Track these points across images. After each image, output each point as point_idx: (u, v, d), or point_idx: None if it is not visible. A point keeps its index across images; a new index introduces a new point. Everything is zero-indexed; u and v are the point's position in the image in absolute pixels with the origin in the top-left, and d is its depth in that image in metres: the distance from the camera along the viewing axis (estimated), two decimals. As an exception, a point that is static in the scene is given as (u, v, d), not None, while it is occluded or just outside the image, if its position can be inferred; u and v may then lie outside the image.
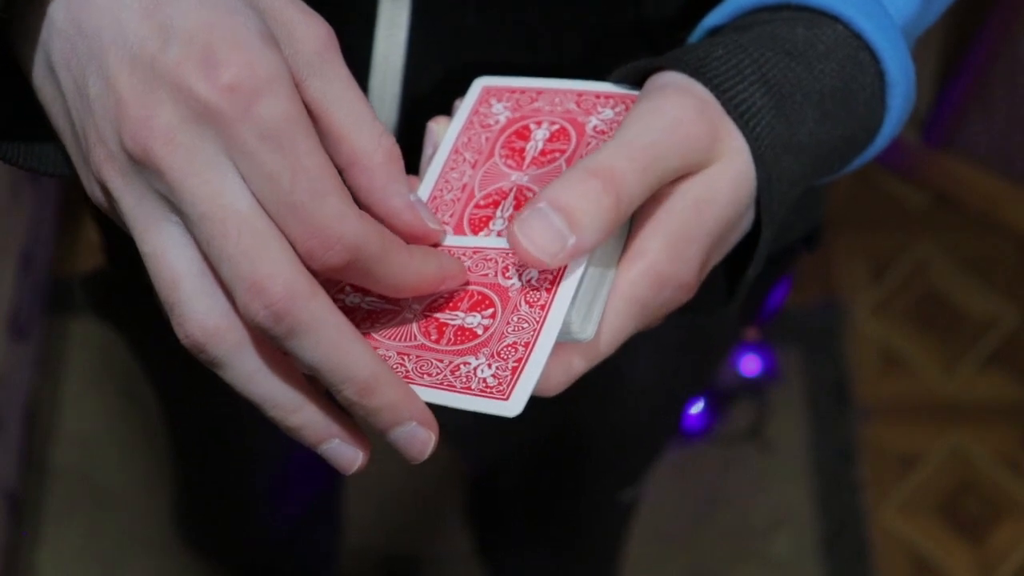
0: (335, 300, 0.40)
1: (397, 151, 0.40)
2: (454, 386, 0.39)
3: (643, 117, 0.41)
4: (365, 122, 0.39)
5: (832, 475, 1.56)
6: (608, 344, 0.41)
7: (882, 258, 1.73)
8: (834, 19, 0.44)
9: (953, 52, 1.59)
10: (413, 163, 0.45)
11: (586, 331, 0.40)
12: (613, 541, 1.12)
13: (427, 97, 0.52)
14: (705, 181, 0.41)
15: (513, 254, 0.40)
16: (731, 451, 1.57)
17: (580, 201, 0.38)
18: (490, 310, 0.40)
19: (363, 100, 0.40)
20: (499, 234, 0.42)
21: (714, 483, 1.55)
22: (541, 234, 0.38)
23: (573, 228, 0.38)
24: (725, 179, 0.42)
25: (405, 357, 0.40)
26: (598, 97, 0.45)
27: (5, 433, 1.43)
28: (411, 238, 0.41)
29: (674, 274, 0.41)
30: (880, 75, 0.45)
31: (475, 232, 0.43)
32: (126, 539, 1.47)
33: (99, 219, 0.77)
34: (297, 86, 0.38)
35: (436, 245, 0.42)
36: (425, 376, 0.39)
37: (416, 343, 0.40)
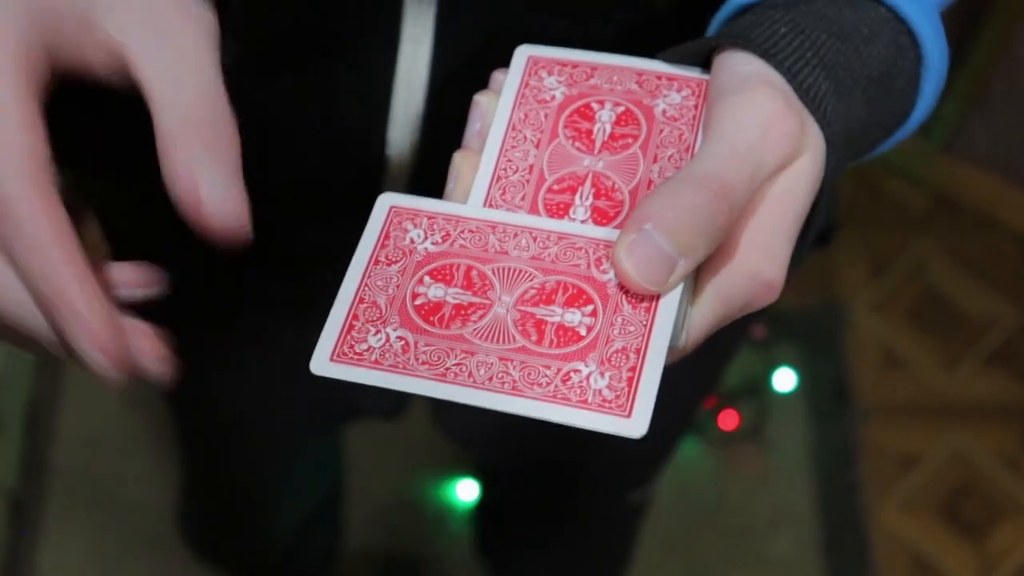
0: (416, 295, 0.39)
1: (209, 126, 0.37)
2: (569, 399, 0.37)
3: (736, 115, 0.38)
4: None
5: (832, 475, 1.56)
6: (692, 344, 0.40)
7: (882, 258, 1.73)
8: (877, 1, 0.43)
9: (953, 52, 1.59)
10: (434, 184, 0.44)
11: (680, 339, 0.39)
12: (621, 543, 1.12)
13: (450, 116, 0.51)
14: (786, 174, 0.39)
15: (607, 245, 0.39)
16: (731, 451, 1.57)
17: (690, 219, 0.36)
18: (590, 307, 0.38)
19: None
20: (583, 222, 0.41)
21: (714, 483, 1.55)
22: (649, 263, 0.36)
23: (683, 251, 0.36)
24: (805, 172, 0.40)
25: (508, 364, 0.37)
26: (659, 78, 0.44)
27: (5, 433, 1.43)
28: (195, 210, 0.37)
29: (759, 271, 0.39)
30: (918, 59, 0.44)
31: (555, 218, 0.41)
32: (126, 539, 1.47)
33: (104, 222, 0.77)
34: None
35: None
36: (535, 387, 0.37)
37: (516, 345, 0.38)
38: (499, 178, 0.42)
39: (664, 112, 0.43)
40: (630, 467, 0.95)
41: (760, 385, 1.59)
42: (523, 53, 0.46)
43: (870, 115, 0.43)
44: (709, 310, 0.39)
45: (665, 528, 1.49)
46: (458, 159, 0.42)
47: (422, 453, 1.49)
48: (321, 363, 0.38)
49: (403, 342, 0.38)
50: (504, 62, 0.46)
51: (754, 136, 0.38)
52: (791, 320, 1.63)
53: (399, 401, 0.92)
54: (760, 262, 0.39)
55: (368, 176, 0.57)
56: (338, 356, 0.38)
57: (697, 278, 0.39)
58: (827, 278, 1.70)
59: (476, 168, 0.43)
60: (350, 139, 0.56)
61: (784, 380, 1.60)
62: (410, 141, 0.56)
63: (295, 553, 1.15)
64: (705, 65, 0.44)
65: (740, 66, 0.40)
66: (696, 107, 0.43)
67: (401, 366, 0.38)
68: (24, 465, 1.49)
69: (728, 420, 1.57)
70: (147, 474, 1.49)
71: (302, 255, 0.64)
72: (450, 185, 0.42)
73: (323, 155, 0.58)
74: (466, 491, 1.48)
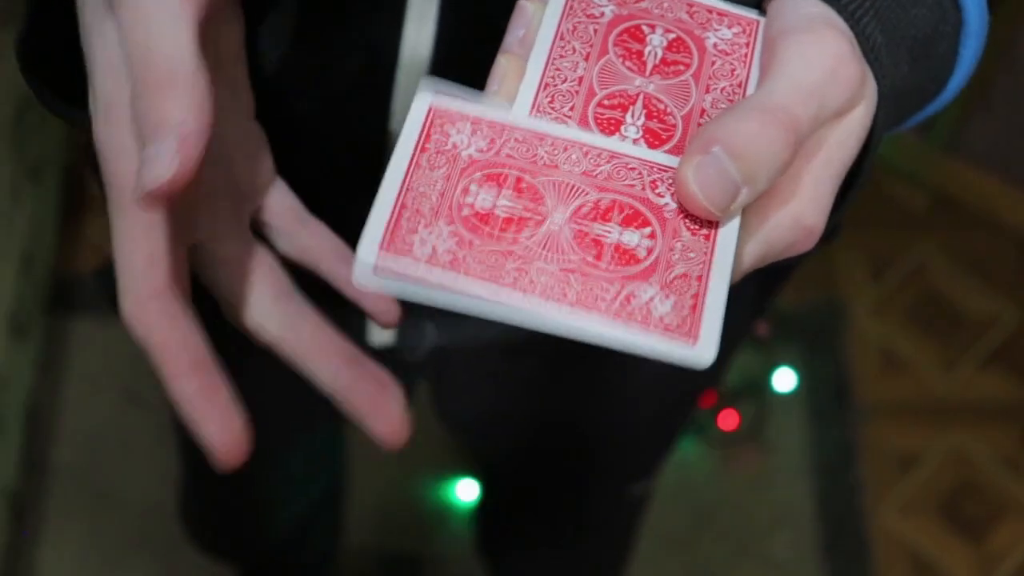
0: (462, 205, 0.37)
1: None
2: (633, 320, 0.35)
3: (803, 53, 0.38)
4: None
5: (832, 475, 1.56)
6: (734, 281, 0.39)
7: (882, 258, 1.73)
8: None
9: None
10: None
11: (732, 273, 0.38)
12: (622, 537, 1.11)
13: None
14: (842, 122, 0.39)
15: (661, 168, 0.38)
16: (731, 451, 1.57)
17: (759, 148, 0.35)
18: (647, 228, 0.37)
19: None
20: (635, 142, 0.39)
21: (714, 483, 1.55)
22: (715, 185, 0.35)
23: (748, 179, 0.35)
24: (858, 123, 0.39)
25: (569, 276, 0.36)
26: (711, 12, 0.43)
27: (5, 433, 1.43)
28: None
29: (803, 215, 0.38)
30: (958, 24, 0.44)
31: (605, 133, 0.40)
32: (126, 539, 1.47)
33: None
34: None
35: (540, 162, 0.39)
36: (599, 302, 0.36)
37: (575, 260, 0.36)
38: (547, 85, 0.41)
39: (715, 45, 0.42)
40: (631, 460, 0.95)
41: (760, 385, 1.59)
42: None
43: (913, 76, 0.43)
44: (751, 249, 0.39)
45: (665, 528, 1.49)
46: (503, 61, 0.41)
47: (423, 452, 1.50)
48: (365, 275, 0.36)
49: (451, 256, 0.36)
50: None
51: (820, 75, 0.37)
52: (791, 320, 1.63)
53: (404, 385, 0.91)
54: (805, 207, 0.39)
55: (371, 153, 0.57)
56: (380, 270, 0.36)
57: (742, 216, 0.38)
58: (827, 278, 1.70)
59: (521, 74, 0.41)
60: (353, 116, 0.56)
61: (784, 380, 1.60)
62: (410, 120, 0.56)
63: (295, 550, 1.16)
64: (756, 6, 0.43)
65: (805, 7, 0.40)
66: (747, 45, 0.43)
67: (457, 269, 0.36)
68: (24, 465, 1.49)
69: (728, 420, 1.57)
70: (147, 474, 1.49)
71: None
72: (493, 87, 0.41)
73: (326, 133, 0.58)
74: (466, 491, 1.48)
